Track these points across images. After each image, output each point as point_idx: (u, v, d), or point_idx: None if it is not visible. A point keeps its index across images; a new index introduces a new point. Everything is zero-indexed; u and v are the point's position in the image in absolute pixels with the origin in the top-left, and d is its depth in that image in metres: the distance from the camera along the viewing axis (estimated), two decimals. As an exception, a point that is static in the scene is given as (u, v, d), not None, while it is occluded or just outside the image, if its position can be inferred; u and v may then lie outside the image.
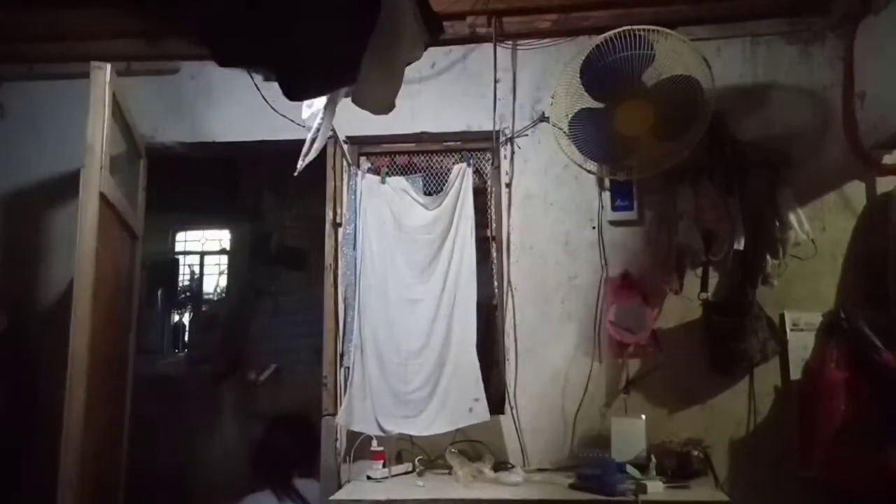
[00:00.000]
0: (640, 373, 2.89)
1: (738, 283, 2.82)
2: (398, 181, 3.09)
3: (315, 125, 2.35)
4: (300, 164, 2.41)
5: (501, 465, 2.76)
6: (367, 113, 2.74)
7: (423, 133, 3.17)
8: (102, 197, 2.58)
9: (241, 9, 1.61)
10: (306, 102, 2.37)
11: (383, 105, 2.16)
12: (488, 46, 3.11)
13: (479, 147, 3.16)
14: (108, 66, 2.62)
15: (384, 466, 2.75)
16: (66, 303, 3.08)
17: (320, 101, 2.29)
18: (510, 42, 3.15)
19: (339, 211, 3.15)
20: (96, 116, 2.57)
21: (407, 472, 2.78)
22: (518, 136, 3.12)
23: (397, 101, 3.09)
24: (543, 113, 3.06)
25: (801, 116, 2.95)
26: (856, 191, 2.90)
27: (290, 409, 3.75)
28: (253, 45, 1.67)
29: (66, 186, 3.25)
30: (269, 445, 3.44)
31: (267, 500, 3.09)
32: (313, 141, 2.38)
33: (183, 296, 5.89)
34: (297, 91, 1.84)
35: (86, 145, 2.54)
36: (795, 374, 2.79)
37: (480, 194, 3.12)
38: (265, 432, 3.58)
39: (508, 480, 2.58)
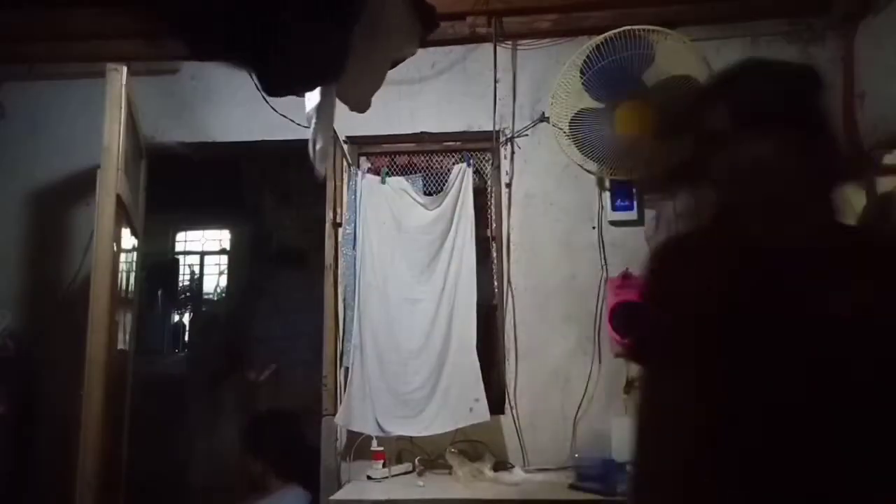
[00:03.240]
0: (640, 373, 2.89)
1: (738, 283, 2.82)
2: (398, 181, 3.09)
3: (311, 128, 2.33)
4: (318, 169, 2.39)
5: (501, 465, 2.76)
6: (366, 113, 2.71)
7: (423, 133, 3.17)
8: (118, 198, 2.58)
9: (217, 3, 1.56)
10: (307, 101, 2.34)
11: (363, 102, 2.11)
12: (488, 46, 3.11)
13: (479, 147, 3.16)
14: (125, 67, 2.62)
15: (384, 466, 2.76)
16: (67, 302, 3.10)
17: (312, 102, 2.26)
18: (510, 42, 3.15)
19: (339, 211, 3.15)
20: (112, 118, 2.56)
21: (407, 472, 2.78)
22: (518, 136, 3.12)
23: (396, 101, 3.14)
24: (543, 113, 3.06)
25: (801, 116, 2.95)
26: (856, 191, 2.89)
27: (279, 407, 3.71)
28: (230, 37, 1.62)
29: (67, 187, 3.26)
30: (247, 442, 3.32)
31: (296, 495, 3.07)
32: (314, 143, 2.36)
33: (183, 296, 5.90)
34: (274, 87, 1.79)
35: (102, 147, 2.54)
36: (795, 374, 2.79)
37: (480, 194, 3.12)
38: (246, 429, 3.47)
39: (508, 480, 2.58)
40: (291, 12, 1.52)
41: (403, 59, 2.11)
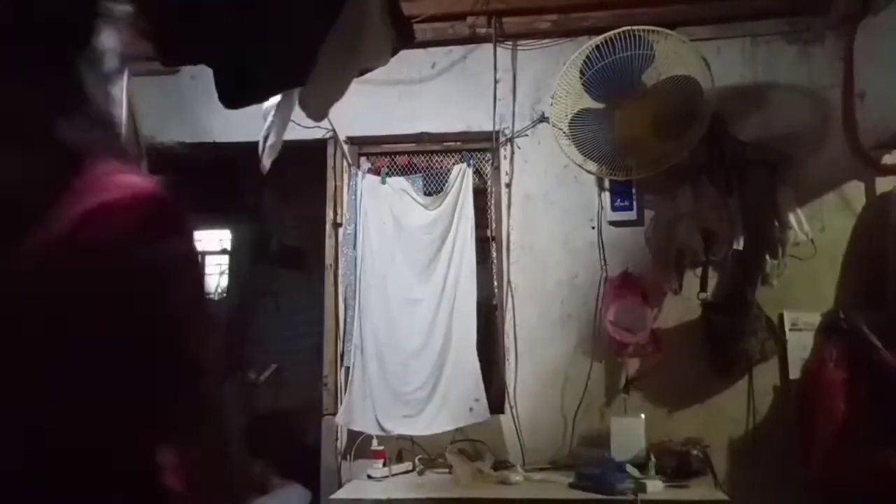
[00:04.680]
0: (639, 372, 2.89)
1: (738, 283, 2.82)
2: (398, 181, 3.09)
3: (266, 123, 2.31)
4: (263, 164, 2.38)
5: (501, 465, 2.77)
6: (367, 113, 2.73)
7: (423, 133, 3.17)
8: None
9: (192, 7, 1.54)
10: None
11: (321, 110, 2.09)
12: (488, 47, 3.11)
13: (479, 147, 3.16)
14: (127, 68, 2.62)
15: (384, 465, 2.76)
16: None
17: (273, 99, 2.25)
18: (510, 42, 3.15)
19: (339, 211, 3.15)
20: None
21: (407, 472, 2.79)
22: (518, 137, 3.12)
23: (396, 101, 3.14)
24: (543, 113, 3.06)
25: (801, 116, 2.95)
26: (855, 191, 2.90)
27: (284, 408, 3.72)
28: (197, 43, 1.59)
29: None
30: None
31: (296, 494, 3.07)
32: (266, 139, 2.34)
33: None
34: (233, 98, 1.76)
35: None
36: (794, 373, 2.80)
37: (480, 194, 3.12)
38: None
39: (508, 479, 2.58)
40: (266, 14, 1.50)
41: (370, 70, 2.06)
